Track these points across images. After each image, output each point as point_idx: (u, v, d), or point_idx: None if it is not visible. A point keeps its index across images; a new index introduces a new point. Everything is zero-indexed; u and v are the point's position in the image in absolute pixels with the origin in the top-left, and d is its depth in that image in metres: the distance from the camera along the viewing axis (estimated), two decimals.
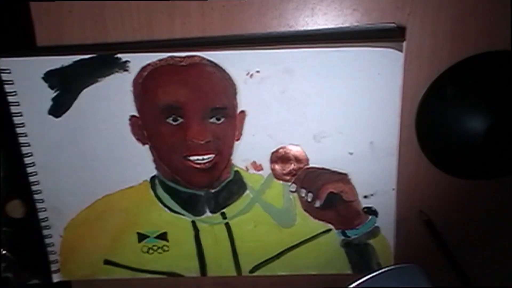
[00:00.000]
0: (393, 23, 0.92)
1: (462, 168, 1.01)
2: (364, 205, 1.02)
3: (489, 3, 0.91)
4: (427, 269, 0.81)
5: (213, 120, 0.96)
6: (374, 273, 0.79)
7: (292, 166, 0.99)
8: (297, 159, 0.99)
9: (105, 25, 0.94)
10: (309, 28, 0.94)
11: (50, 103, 0.95)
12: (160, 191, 1.02)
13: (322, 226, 1.04)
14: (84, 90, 0.94)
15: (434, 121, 0.97)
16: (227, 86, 0.94)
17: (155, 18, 0.93)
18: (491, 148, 0.95)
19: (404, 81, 0.92)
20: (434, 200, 1.04)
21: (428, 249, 1.06)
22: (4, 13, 0.94)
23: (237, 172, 1.01)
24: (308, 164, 0.99)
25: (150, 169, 1.00)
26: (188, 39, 0.94)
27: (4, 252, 1.06)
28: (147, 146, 0.98)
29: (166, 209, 1.03)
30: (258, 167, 1.00)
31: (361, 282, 0.78)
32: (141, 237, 1.05)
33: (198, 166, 0.99)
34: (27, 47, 0.94)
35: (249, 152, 0.99)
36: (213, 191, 1.02)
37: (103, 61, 0.92)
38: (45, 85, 0.94)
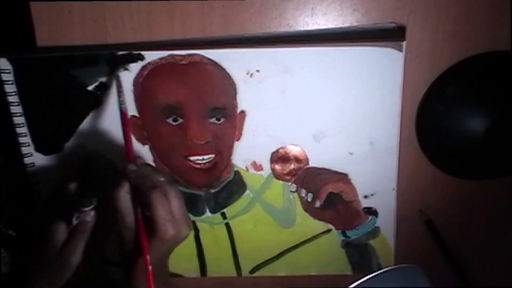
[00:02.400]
0: (393, 23, 0.93)
1: (462, 168, 1.02)
2: (364, 205, 1.02)
3: (489, 3, 0.91)
4: (427, 269, 0.81)
5: (213, 120, 0.96)
6: (374, 273, 0.78)
7: (292, 166, 0.99)
8: (297, 159, 0.99)
9: (105, 25, 0.94)
10: (309, 28, 0.94)
11: (51, 103, 0.95)
12: None
13: (322, 226, 1.04)
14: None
15: (434, 121, 0.97)
16: (227, 86, 0.94)
17: (155, 18, 0.93)
18: (491, 148, 0.95)
19: (404, 81, 0.92)
20: (434, 200, 1.04)
21: (428, 249, 1.07)
22: (4, 13, 0.94)
23: (237, 172, 1.01)
24: (308, 164, 0.99)
25: None
26: (188, 39, 0.94)
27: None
28: (147, 146, 0.98)
29: None
30: (258, 167, 1.00)
31: (361, 282, 0.78)
32: None
33: (198, 166, 0.99)
34: (27, 47, 0.94)
35: (249, 152, 0.99)
36: (213, 191, 1.02)
37: (103, 61, 0.92)
38: (45, 85, 0.94)
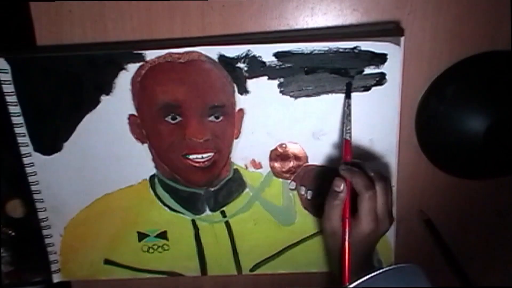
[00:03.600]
0: (393, 23, 0.92)
1: (462, 168, 1.01)
2: None
3: (489, 3, 0.91)
4: (427, 269, 0.81)
5: (211, 118, 0.96)
6: (375, 273, 0.78)
7: (291, 164, 0.99)
8: (296, 157, 0.99)
9: (105, 25, 0.94)
10: (309, 27, 0.94)
11: (50, 102, 0.95)
12: (160, 190, 1.02)
13: None
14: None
15: (434, 121, 0.97)
16: (226, 84, 0.94)
17: (155, 18, 0.93)
18: (491, 148, 0.95)
19: (404, 81, 0.92)
20: (434, 200, 1.04)
21: (428, 249, 1.06)
22: (4, 13, 0.94)
23: (236, 170, 1.01)
24: (307, 161, 0.99)
25: (149, 168, 1.01)
26: (188, 39, 0.94)
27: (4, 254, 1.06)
28: (146, 145, 0.98)
29: (165, 208, 1.04)
30: (257, 165, 1.00)
31: (361, 282, 0.78)
32: (141, 236, 1.06)
33: (197, 164, 0.99)
34: (27, 47, 0.94)
35: (248, 150, 0.99)
36: (212, 189, 1.02)
37: (103, 60, 0.92)
38: (44, 85, 0.94)
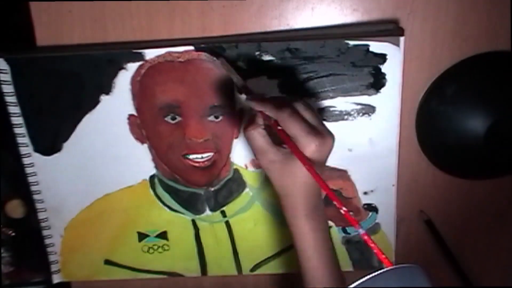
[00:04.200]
0: (393, 23, 0.92)
1: (462, 168, 1.01)
2: (364, 202, 1.02)
3: (489, 3, 0.91)
4: (427, 269, 0.81)
5: (211, 118, 0.96)
6: (375, 273, 0.78)
7: None
8: None
9: (105, 25, 0.94)
10: (309, 27, 0.94)
11: (49, 103, 0.95)
12: (160, 190, 1.02)
13: None
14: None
15: (434, 121, 0.97)
16: (226, 83, 0.94)
17: (155, 18, 0.93)
18: (491, 148, 0.95)
19: (404, 81, 0.92)
20: (434, 200, 1.04)
21: (428, 249, 1.06)
22: (4, 13, 0.94)
23: (236, 170, 1.01)
24: None
25: (149, 168, 1.01)
26: (188, 39, 0.94)
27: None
28: (146, 145, 0.98)
29: (166, 208, 1.04)
30: (257, 164, 1.00)
31: (361, 282, 0.78)
32: (141, 236, 1.06)
33: (197, 164, 0.99)
34: (27, 47, 0.94)
35: (248, 150, 0.99)
36: (212, 189, 1.03)
37: (102, 60, 0.92)
38: (43, 85, 0.94)
